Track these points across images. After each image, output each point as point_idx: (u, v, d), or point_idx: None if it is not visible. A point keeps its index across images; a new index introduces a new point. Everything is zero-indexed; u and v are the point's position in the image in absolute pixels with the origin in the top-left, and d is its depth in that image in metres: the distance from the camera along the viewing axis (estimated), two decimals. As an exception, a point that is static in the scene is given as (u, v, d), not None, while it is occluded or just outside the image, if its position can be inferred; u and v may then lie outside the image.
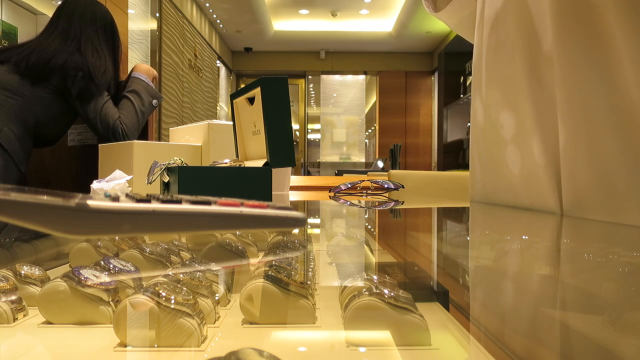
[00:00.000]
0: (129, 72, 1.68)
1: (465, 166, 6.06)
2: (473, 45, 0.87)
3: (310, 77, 9.16)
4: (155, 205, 0.25)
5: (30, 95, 1.46)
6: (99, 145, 1.43)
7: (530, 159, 0.68)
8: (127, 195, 0.27)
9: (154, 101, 1.64)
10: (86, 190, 0.82)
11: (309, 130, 9.36)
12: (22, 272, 0.35)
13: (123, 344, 0.27)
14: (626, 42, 0.53)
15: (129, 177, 0.85)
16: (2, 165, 1.42)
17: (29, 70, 1.45)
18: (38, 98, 1.47)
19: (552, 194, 0.65)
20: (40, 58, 1.46)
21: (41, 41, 1.51)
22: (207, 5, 6.87)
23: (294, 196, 1.29)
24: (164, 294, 0.28)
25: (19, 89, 1.45)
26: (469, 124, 1.18)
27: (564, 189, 0.62)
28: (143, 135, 1.75)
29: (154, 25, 5.23)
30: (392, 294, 0.28)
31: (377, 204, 1.04)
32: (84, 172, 1.77)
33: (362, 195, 1.28)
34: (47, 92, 1.48)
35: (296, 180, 2.02)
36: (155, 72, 1.71)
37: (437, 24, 7.11)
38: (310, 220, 0.77)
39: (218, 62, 8.00)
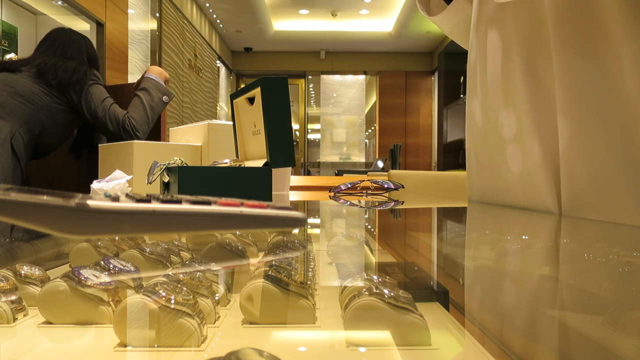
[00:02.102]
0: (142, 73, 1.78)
1: (465, 166, 6.04)
2: None
3: (310, 77, 9.16)
4: (155, 205, 0.25)
5: (41, 103, 1.56)
6: (99, 145, 1.43)
7: (530, 158, 0.68)
8: (127, 195, 0.27)
9: (164, 97, 1.71)
10: (87, 190, 0.82)
11: (309, 130, 9.36)
12: (22, 272, 0.35)
13: (123, 344, 0.27)
14: (626, 42, 0.53)
15: (129, 177, 0.85)
16: (11, 170, 1.45)
17: (57, 81, 1.58)
18: (47, 107, 1.58)
19: (550, 194, 0.65)
20: (65, 70, 1.61)
21: (58, 59, 1.64)
22: (207, 5, 6.87)
23: (294, 196, 1.29)
24: (164, 294, 0.28)
25: (32, 97, 1.54)
26: (468, 124, 1.17)
27: (562, 189, 0.62)
28: (156, 134, 1.79)
29: (154, 25, 5.23)
30: (392, 294, 0.28)
31: (377, 204, 1.04)
32: (89, 174, 1.80)
33: (362, 195, 1.28)
34: (57, 103, 1.59)
35: (296, 180, 2.02)
36: (167, 75, 1.80)
37: (437, 24, 7.10)
38: (310, 220, 0.77)
39: (218, 62, 8.00)
